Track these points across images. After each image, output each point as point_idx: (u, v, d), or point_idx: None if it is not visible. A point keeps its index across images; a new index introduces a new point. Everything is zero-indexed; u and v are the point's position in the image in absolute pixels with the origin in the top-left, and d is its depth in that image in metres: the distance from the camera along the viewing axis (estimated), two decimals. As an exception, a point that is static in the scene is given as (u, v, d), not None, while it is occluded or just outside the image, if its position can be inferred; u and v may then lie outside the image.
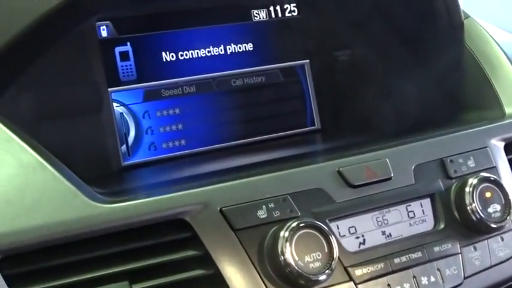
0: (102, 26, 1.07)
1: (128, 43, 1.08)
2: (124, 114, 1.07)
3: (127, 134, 1.07)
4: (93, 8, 1.02)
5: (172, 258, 0.84)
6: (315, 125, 1.19)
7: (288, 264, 0.83)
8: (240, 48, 1.15)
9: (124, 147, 1.07)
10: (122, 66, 1.08)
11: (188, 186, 0.86)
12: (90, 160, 1.05)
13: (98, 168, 1.05)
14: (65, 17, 0.93)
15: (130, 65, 1.08)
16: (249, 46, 1.16)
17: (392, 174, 0.94)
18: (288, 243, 0.84)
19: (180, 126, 1.10)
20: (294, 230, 0.85)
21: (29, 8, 0.89)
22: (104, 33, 1.07)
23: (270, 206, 0.87)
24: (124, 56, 1.08)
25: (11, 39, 0.88)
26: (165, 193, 0.85)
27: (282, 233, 0.84)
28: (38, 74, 1.02)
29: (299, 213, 0.88)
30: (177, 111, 1.10)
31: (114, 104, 1.07)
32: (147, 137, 1.08)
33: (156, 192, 0.86)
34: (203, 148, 1.11)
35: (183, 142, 1.10)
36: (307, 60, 1.19)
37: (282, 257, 0.84)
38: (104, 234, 0.82)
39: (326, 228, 0.85)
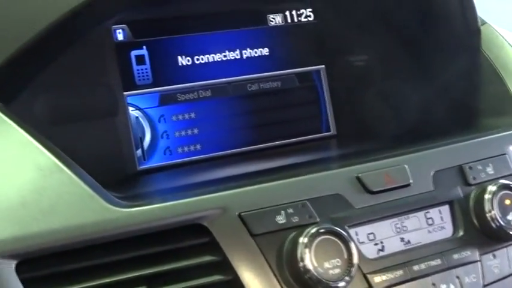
0: (118, 29, 1.06)
1: (144, 47, 1.07)
2: (139, 118, 1.07)
3: (142, 138, 1.07)
4: (110, 10, 1.02)
5: (190, 264, 0.83)
6: (330, 131, 1.18)
7: (307, 271, 0.83)
8: (255, 52, 1.15)
9: (139, 151, 1.06)
10: (138, 70, 1.07)
11: (206, 191, 0.86)
12: (105, 164, 1.04)
13: (113, 173, 1.04)
14: (82, 19, 0.93)
15: (146, 69, 1.07)
16: (265, 51, 1.15)
17: (411, 181, 0.93)
18: (307, 249, 0.83)
19: (195, 131, 1.09)
20: (314, 236, 0.84)
21: (45, 10, 0.88)
22: (120, 37, 1.06)
23: (288, 211, 0.86)
24: (140, 59, 1.07)
25: (27, 42, 0.87)
26: (183, 198, 0.84)
27: (301, 239, 0.84)
28: (53, 77, 1.01)
29: (318, 219, 0.87)
30: (193, 115, 1.09)
31: (130, 108, 1.06)
32: (162, 141, 1.08)
33: (174, 196, 0.85)
34: (218, 153, 1.10)
35: (198, 147, 1.09)
36: (323, 66, 1.18)
37: (301, 263, 0.83)
38: (121, 239, 0.81)
39: (346, 235, 0.85)
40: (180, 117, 1.09)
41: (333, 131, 1.19)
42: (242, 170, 1.04)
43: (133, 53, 1.07)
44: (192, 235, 0.84)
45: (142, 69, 1.07)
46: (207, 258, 0.84)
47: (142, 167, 1.06)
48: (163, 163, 1.08)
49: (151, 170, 1.07)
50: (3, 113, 0.84)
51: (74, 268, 0.80)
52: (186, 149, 1.09)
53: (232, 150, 1.11)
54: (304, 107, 1.17)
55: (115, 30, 1.06)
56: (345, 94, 1.20)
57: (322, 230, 0.84)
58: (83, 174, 0.83)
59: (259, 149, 1.13)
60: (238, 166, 1.07)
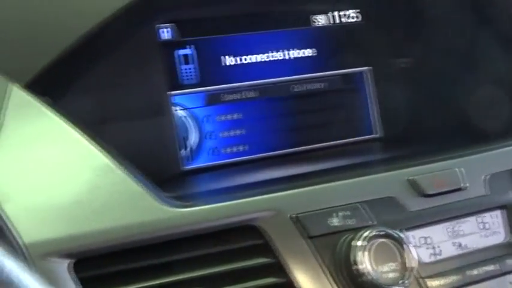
0: (165, 28, 1.05)
1: (191, 46, 1.06)
2: (185, 118, 1.05)
3: (187, 138, 1.05)
4: (158, 10, 1.02)
5: (243, 265, 0.81)
6: (376, 133, 1.17)
7: (362, 274, 0.81)
8: (301, 53, 1.13)
9: (184, 151, 1.05)
10: (184, 69, 1.06)
11: (259, 192, 0.85)
12: (149, 164, 1.02)
13: (158, 172, 1.03)
14: (130, 18, 0.92)
15: (192, 69, 1.06)
16: (310, 52, 1.14)
17: (464, 184, 0.92)
18: (362, 252, 0.82)
19: (241, 131, 1.08)
20: (369, 239, 0.82)
21: (97, 8, 0.88)
22: (166, 36, 1.05)
23: (343, 213, 0.85)
24: (186, 59, 1.06)
25: (77, 40, 0.87)
26: (236, 199, 0.83)
27: (356, 242, 0.82)
28: (99, 75, 1.00)
29: (373, 222, 0.86)
30: (239, 116, 1.08)
31: (175, 108, 1.05)
32: (208, 142, 1.06)
33: (226, 197, 0.84)
34: (264, 154, 1.09)
35: (245, 147, 1.08)
36: (369, 67, 1.17)
37: (356, 266, 0.81)
38: (173, 240, 0.80)
39: (402, 238, 0.83)
40: (226, 117, 1.08)
41: (379, 133, 1.17)
42: (289, 172, 1.02)
43: (180, 52, 1.06)
44: (244, 237, 0.83)
45: (188, 69, 1.06)
46: (260, 260, 0.82)
47: (187, 167, 1.05)
48: (209, 164, 1.06)
49: (196, 170, 1.06)
50: (56, 111, 0.83)
51: (127, 269, 0.78)
52: (232, 149, 1.08)
53: (278, 152, 1.10)
54: (349, 108, 1.16)
55: (161, 29, 1.05)
56: (391, 96, 1.19)
57: (377, 233, 0.83)
58: (136, 174, 0.82)
59: (304, 150, 1.11)
60: (285, 167, 1.05)
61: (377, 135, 1.17)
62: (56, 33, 0.87)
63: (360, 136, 1.16)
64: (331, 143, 1.13)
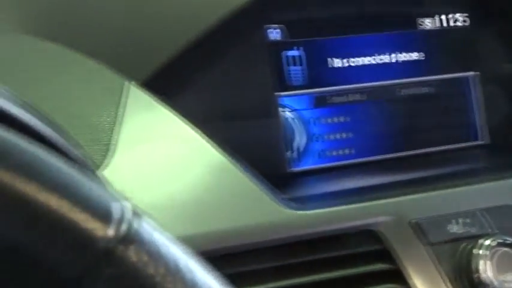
0: (274, 29, 1.04)
1: (299, 47, 1.05)
2: (292, 119, 1.04)
3: (294, 140, 1.04)
4: (270, 9, 1.01)
5: (362, 271, 0.80)
6: (483, 140, 1.14)
7: (484, 283, 0.79)
8: (407, 57, 1.11)
9: (290, 153, 1.04)
10: (292, 70, 1.05)
11: (377, 196, 0.84)
12: (255, 165, 1.02)
13: (264, 174, 1.02)
14: (244, 18, 0.92)
15: (300, 70, 1.05)
16: (417, 55, 1.12)
17: None
18: (484, 261, 0.80)
19: (348, 135, 1.07)
20: (491, 248, 0.80)
21: (216, 5, 0.88)
22: (275, 37, 1.04)
23: (463, 220, 0.83)
24: (294, 60, 1.05)
25: (196, 37, 0.87)
26: (353, 202, 0.82)
27: (478, 250, 0.80)
28: (210, 75, 1.00)
29: (492, 230, 0.84)
30: (346, 119, 1.07)
31: (283, 109, 1.04)
32: (314, 144, 1.05)
33: (343, 201, 0.83)
34: (371, 158, 1.07)
35: (351, 151, 1.07)
36: (476, 72, 1.15)
37: (478, 274, 0.80)
38: (290, 243, 0.79)
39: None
40: (333, 120, 1.06)
41: (485, 140, 1.14)
42: (398, 177, 1.01)
43: (288, 53, 1.05)
44: (361, 241, 0.82)
45: (296, 70, 1.05)
46: (380, 266, 0.81)
47: (294, 169, 1.04)
48: (315, 166, 1.05)
49: (302, 172, 1.05)
50: (173, 109, 0.83)
51: (239, 272, 0.78)
52: (338, 152, 1.06)
53: (384, 156, 1.08)
54: (455, 113, 1.14)
55: (270, 29, 1.05)
56: (499, 103, 1.16)
57: (501, 242, 0.81)
58: (253, 174, 0.81)
59: (410, 155, 1.09)
60: (392, 172, 1.04)
61: (484, 142, 1.14)
62: (174, 30, 0.88)
63: (465, 142, 1.14)
64: (437, 148, 1.11)
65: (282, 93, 1.04)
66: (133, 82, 0.85)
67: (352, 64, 1.09)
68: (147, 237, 0.36)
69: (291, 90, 1.05)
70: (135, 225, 0.36)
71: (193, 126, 0.82)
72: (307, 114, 1.05)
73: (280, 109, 1.04)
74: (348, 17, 1.10)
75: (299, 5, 1.07)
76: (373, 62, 1.10)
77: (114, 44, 0.92)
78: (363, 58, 1.09)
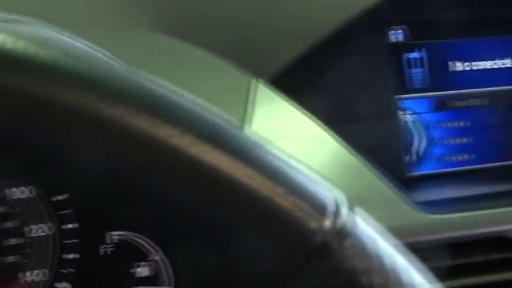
0: (396, 30, 1.03)
1: (421, 49, 1.04)
2: (412, 123, 1.03)
3: (413, 144, 1.03)
4: (393, 11, 1.00)
5: (500, 278, 0.78)
6: None
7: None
8: (528, 62, 1.09)
9: (409, 156, 1.02)
10: (413, 73, 1.03)
11: (508, 203, 0.81)
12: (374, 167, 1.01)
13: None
14: (369, 20, 0.91)
15: (421, 72, 1.03)
16: (539, 60, 1.09)
17: None
18: None
19: (468, 140, 1.05)
20: None
21: (345, 4, 0.87)
22: (397, 38, 1.03)
23: None
24: (415, 62, 1.03)
25: (323, 35, 0.86)
26: (485, 208, 0.80)
27: None
28: (332, 75, 0.99)
29: None
30: (466, 123, 1.05)
31: (403, 112, 1.02)
32: (434, 148, 1.03)
33: (472, 206, 0.81)
34: (491, 164, 1.05)
35: (471, 156, 1.04)
36: None
37: None
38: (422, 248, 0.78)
39: None
40: (453, 124, 1.04)
41: None
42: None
43: (409, 55, 1.03)
44: (493, 248, 0.80)
45: (417, 73, 1.03)
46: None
47: (413, 174, 1.02)
48: (434, 171, 1.03)
49: (420, 177, 1.03)
50: (301, 108, 0.83)
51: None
52: (457, 157, 1.04)
53: (504, 162, 1.05)
54: None
55: (391, 31, 1.03)
56: None
57: None
58: (384, 177, 0.80)
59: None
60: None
61: None
62: (301, 30, 0.87)
63: None
64: None
65: (403, 96, 1.03)
66: (260, 80, 0.85)
67: (474, 68, 1.06)
68: (361, 231, 0.35)
69: (412, 92, 1.03)
70: (350, 218, 0.35)
71: (324, 126, 0.81)
72: (427, 117, 1.03)
73: (400, 112, 1.02)
74: (470, 20, 1.08)
75: (421, 6, 1.05)
76: (495, 66, 1.07)
77: (242, 43, 0.91)
78: (484, 62, 1.07)
